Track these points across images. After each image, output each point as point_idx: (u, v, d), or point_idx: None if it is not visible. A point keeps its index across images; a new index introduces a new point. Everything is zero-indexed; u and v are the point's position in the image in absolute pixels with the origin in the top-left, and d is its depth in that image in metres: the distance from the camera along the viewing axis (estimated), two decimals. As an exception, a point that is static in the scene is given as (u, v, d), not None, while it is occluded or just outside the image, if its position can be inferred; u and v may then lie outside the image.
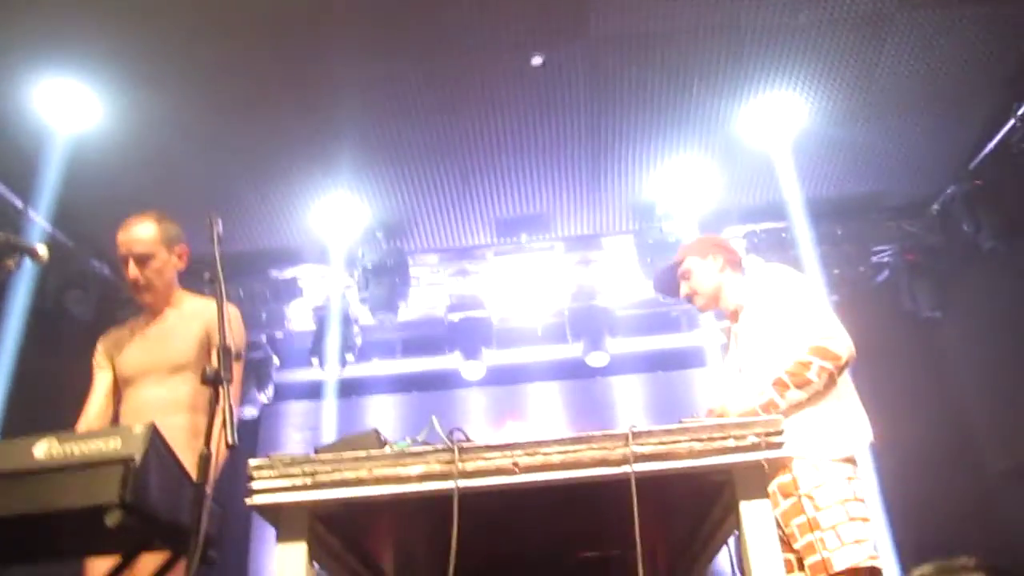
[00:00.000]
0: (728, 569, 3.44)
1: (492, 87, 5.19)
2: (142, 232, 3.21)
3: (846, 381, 3.06)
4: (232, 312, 3.18)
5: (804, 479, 2.89)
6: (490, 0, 4.60)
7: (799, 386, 2.91)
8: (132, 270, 3.19)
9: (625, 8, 4.72)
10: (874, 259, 6.79)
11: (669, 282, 3.52)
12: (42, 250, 2.79)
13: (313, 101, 5.17)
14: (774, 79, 5.27)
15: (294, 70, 4.94)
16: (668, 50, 4.99)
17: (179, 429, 2.99)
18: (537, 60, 4.99)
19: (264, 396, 7.21)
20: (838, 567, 2.75)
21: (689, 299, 3.46)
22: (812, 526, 2.85)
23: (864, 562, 2.76)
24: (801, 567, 2.90)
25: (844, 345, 2.96)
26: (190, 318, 3.24)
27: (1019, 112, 5.52)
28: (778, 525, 2.95)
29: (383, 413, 7.73)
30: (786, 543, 2.94)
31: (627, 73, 5.14)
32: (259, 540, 6.87)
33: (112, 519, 1.86)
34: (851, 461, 2.94)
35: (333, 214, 6.14)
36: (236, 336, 3.12)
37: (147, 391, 3.14)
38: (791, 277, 3.20)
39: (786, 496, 2.94)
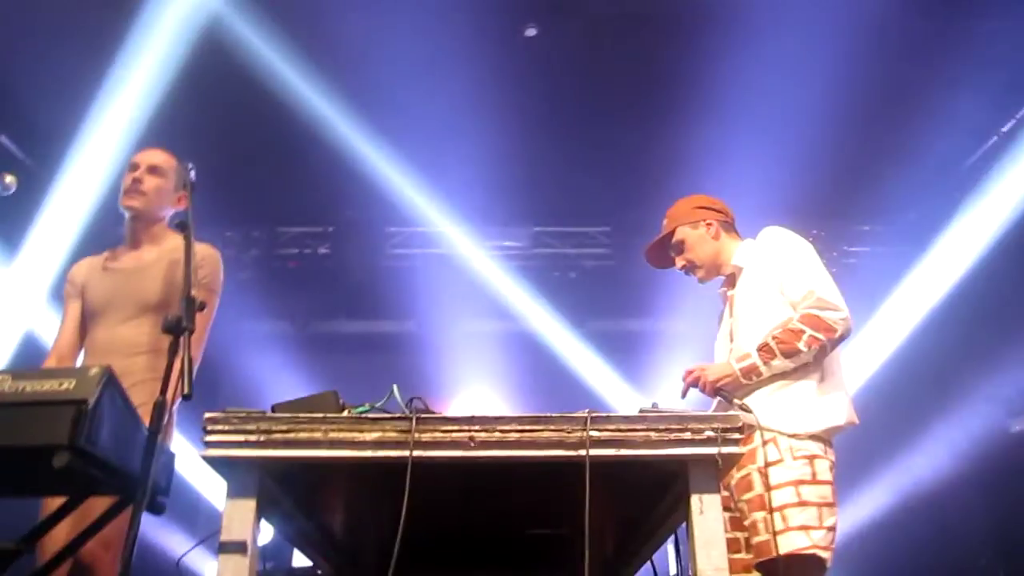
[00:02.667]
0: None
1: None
2: (162, 156, 3.27)
3: (836, 357, 2.86)
4: (210, 254, 3.14)
5: (763, 452, 2.69)
6: None
7: (786, 355, 2.73)
8: (139, 172, 3.19)
9: None
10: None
11: (662, 256, 3.28)
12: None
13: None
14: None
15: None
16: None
17: (139, 371, 2.95)
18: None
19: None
20: (780, 551, 2.57)
21: (687, 271, 3.22)
22: (760, 504, 2.70)
23: (806, 549, 2.59)
24: (749, 547, 2.77)
25: (841, 317, 2.75)
26: (167, 256, 3.15)
27: None
28: (731, 497, 2.85)
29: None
30: (738, 521, 2.83)
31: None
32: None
33: (60, 460, 1.83)
34: (819, 439, 2.76)
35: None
36: (212, 278, 3.11)
37: (111, 330, 3.07)
38: (791, 240, 2.99)
39: (739, 467, 2.77)
